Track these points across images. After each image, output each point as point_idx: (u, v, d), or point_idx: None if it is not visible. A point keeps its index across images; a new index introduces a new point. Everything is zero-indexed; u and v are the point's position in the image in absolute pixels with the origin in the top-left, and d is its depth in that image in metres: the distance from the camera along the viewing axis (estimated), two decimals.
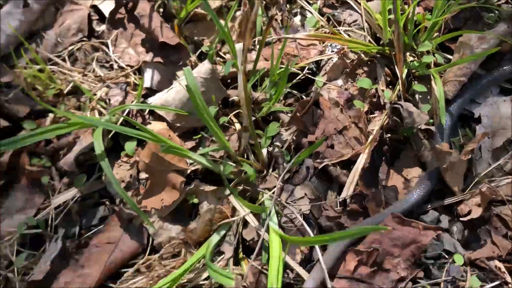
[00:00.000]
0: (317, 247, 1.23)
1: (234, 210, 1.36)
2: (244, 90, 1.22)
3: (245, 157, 1.43)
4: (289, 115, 1.48)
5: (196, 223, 1.35)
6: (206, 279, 1.30)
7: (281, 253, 1.15)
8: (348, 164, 1.43)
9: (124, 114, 1.54)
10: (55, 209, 1.42)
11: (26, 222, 1.36)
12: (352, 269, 1.29)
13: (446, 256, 1.35)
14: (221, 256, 1.32)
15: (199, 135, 1.50)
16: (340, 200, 1.37)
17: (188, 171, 1.46)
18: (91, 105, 1.54)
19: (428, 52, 1.55)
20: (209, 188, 1.42)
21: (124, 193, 1.30)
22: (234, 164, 1.40)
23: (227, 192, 1.39)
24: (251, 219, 1.31)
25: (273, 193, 1.34)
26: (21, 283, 1.28)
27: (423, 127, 1.46)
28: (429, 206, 1.42)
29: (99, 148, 1.34)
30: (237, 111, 1.52)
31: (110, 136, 1.50)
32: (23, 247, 1.38)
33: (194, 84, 1.30)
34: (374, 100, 1.54)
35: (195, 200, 1.42)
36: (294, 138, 1.46)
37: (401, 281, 1.30)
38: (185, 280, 1.31)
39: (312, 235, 1.27)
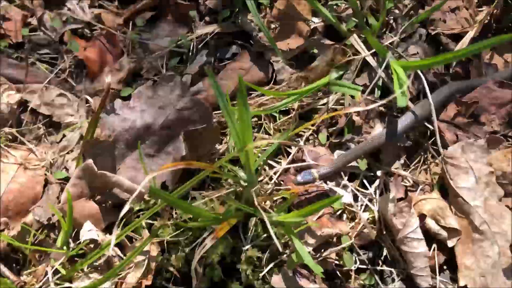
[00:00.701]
0: (424, 80, 1.42)
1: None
2: None
3: (365, 20, 1.63)
4: None
5: (318, 62, 1.56)
6: (322, 104, 1.52)
7: (406, 78, 1.34)
8: (456, 39, 1.61)
9: None
10: (196, 39, 1.66)
11: (179, 39, 1.61)
12: (452, 116, 1.48)
13: None
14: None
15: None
16: (448, 62, 1.55)
17: (311, 27, 1.67)
18: None
19: None
20: (328, 42, 1.63)
21: (263, 25, 1.53)
22: (356, 20, 1.60)
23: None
24: (371, 60, 1.51)
25: (391, 43, 1.54)
26: None
27: None
28: None
29: None
30: None
31: None
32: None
33: None
34: None
35: (315, 51, 1.64)
36: (411, 10, 1.65)
37: (494, 134, 1.47)
38: (304, 103, 1.53)
39: (424, 81, 1.45)
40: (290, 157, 1.45)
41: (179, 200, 1.15)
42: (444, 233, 1.29)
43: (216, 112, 1.48)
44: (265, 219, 1.14)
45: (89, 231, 1.27)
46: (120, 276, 1.25)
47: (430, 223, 1.30)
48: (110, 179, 1.30)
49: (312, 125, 1.50)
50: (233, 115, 1.22)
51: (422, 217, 1.31)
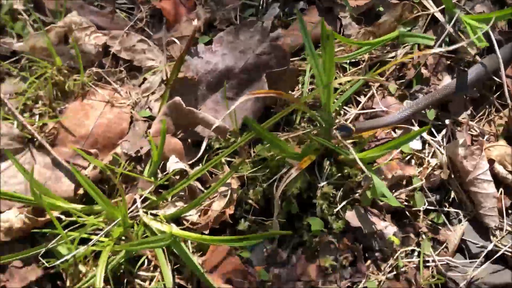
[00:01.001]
0: (491, 34, 1.47)
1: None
2: None
3: None
4: None
5: (386, 17, 1.62)
6: (391, 58, 1.58)
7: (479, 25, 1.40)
8: None
9: None
10: None
11: None
12: None
13: None
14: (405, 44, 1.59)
15: None
16: None
17: None
18: None
19: None
20: (394, 0, 1.69)
21: None
22: None
23: None
24: (439, 16, 1.56)
25: (458, 1, 1.59)
26: None
27: None
28: None
29: None
30: None
31: None
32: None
33: None
34: None
35: (381, 8, 1.70)
36: None
37: None
38: (374, 55, 1.59)
39: (492, 36, 1.50)
40: (361, 105, 1.52)
41: (268, 132, 1.23)
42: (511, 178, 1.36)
43: (291, 59, 1.55)
44: (351, 151, 1.22)
45: (176, 163, 1.36)
46: (205, 204, 1.34)
47: (498, 167, 1.37)
48: (197, 116, 1.38)
49: (382, 76, 1.57)
50: (316, 56, 1.30)
51: (490, 162, 1.37)
